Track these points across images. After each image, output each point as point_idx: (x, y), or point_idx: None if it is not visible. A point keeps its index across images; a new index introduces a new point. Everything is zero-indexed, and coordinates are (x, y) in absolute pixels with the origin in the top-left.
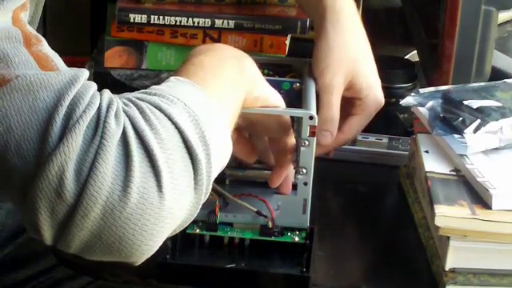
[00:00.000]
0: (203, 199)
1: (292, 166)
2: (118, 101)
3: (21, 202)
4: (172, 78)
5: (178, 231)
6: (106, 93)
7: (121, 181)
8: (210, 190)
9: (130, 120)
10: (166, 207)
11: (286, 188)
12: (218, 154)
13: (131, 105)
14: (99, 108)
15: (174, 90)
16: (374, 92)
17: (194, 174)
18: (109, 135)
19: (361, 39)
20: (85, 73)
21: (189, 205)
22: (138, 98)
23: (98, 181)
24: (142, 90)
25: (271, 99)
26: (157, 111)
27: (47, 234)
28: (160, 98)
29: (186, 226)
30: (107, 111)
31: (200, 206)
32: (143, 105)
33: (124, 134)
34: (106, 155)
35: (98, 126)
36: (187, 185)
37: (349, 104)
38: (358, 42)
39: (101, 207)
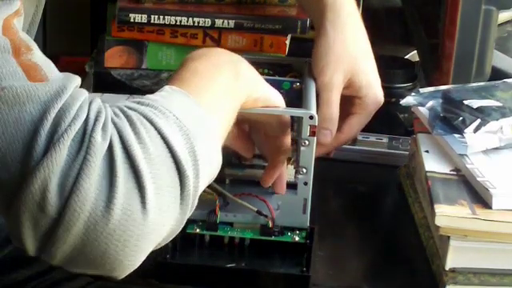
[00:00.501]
0: (189, 214)
1: (285, 166)
2: (107, 111)
3: (5, 213)
4: (166, 88)
5: (162, 244)
6: (95, 102)
7: (104, 196)
8: (195, 204)
9: (117, 132)
10: (149, 223)
11: (280, 188)
12: (208, 167)
13: (121, 115)
14: (86, 120)
15: (167, 102)
16: (373, 90)
17: (181, 189)
18: (94, 150)
19: (361, 37)
20: (74, 81)
21: (173, 220)
22: (129, 108)
23: (81, 196)
24: (136, 99)
25: (272, 99)
26: (147, 123)
27: (30, 246)
28: (152, 110)
29: (171, 238)
30: (94, 124)
31: (185, 221)
32: (134, 116)
33: (110, 149)
34: (90, 171)
35: (84, 140)
36: (173, 201)
37: (348, 103)
38: (357, 40)
39: (83, 222)
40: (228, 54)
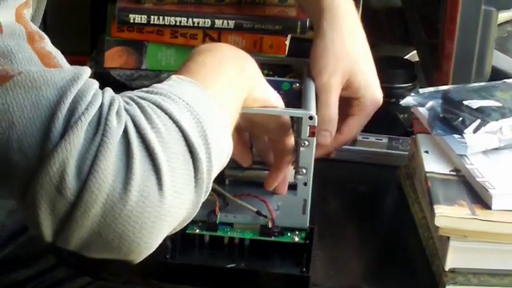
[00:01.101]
0: (203, 198)
1: (289, 168)
2: (119, 99)
3: (21, 198)
4: (174, 77)
5: (178, 229)
6: (108, 91)
7: (122, 178)
8: (210, 189)
9: (131, 118)
10: (165, 205)
11: (282, 189)
12: (219, 152)
13: (132, 103)
14: (101, 106)
15: (175, 89)
16: (371, 91)
17: (195, 172)
18: (110, 133)
19: (359, 38)
20: (87, 71)
21: (189, 203)
22: (139, 97)
23: (98, 178)
24: (144, 89)
25: (271, 100)
26: (158, 110)
27: (47, 230)
28: (161, 97)
29: (185, 224)
30: (109, 109)
31: (200, 205)
32: (144, 103)
33: (125, 132)
34: (107, 153)
35: (100, 123)
36: (188, 183)
37: (347, 104)
38: (355, 41)
39: (101, 204)
40: (234, 49)
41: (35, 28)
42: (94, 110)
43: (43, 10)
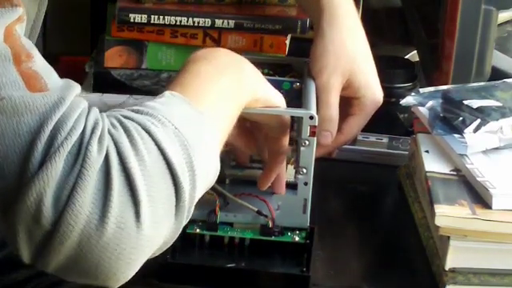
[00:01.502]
0: (184, 223)
1: (284, 166)
2: (104, 122)
3: (2, 219)
4: (167, 94)
5: (158, 253)
6: (93, 112)
7: (99, 210)
8: (191, 213)
9: (114, 144)
10: (143, 236)
11: (279, 188)
12: (205, 177)
13: (119, 126)
14: (83, 132)
15: (166, 110)
16: (372, 91)
17: (177, 201)
18: (89, 164)
19: (359, 37)
20: (73, 90)
21: (169, 231)
22: (127, 118)
23: (75, 210)
24: (134, 108)
25: (273, 100)
26: (145, 134)
27: (25, 254)
28: (150, 119)
29: (167, 247)
30: (90, 136)
31: (181, 229)
32: (131, 127)
33: (106, 161)
34: (85, 184)
35: (80, 152)
36: (168, 213)
37: (347, 104)
38: (355, 40)
39: (77, 235)
40: (230, 54)
41: (26, 44)
42: (74, 138)
43: (44, 12)
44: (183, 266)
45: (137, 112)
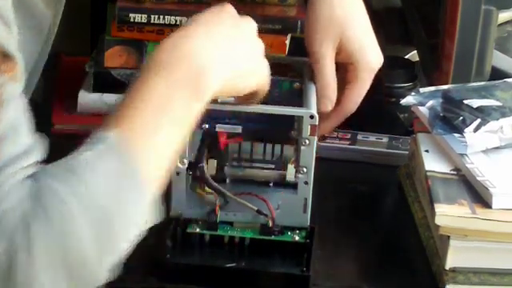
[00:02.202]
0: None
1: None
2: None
3: None
4: (101, 141)
5: None
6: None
7: None
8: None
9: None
10: None
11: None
12: (122, 243)
13: (18, 209)
14: None
15: (89, 172)
16: (365, 55)
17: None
18: None
19: (350, 4)
20: (16, 163)
21: None
22: (38, 190)
23: None
24: (58, 166)
25: (246, 81)
26: (49, 212)
27: None
28: (64, 190)
29: None
30: None
31: None
32: (32, 205)
33: None
34: None
35: None
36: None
37: (344, 73)
38: (345, 6)
39: None
40: (196, 43)
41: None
42: None
43: (61, 12)
44: (183, 265)
45: (53, 177)
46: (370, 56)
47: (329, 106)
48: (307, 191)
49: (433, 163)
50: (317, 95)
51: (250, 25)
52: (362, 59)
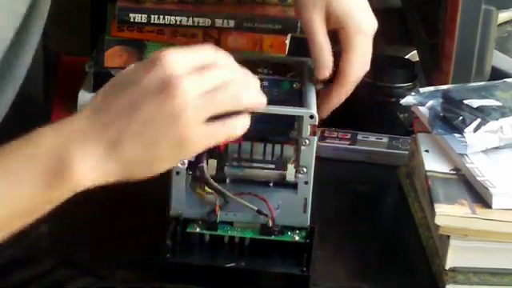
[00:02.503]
0: None
1: None
2: None
3: None
4: None
5: None
6: None
7: None
8: None
9: None
10: None
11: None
12: None
13: None
14: None
15: None
16: (354, 17)
17: None
18: None
19: None
20: None
21: None
22: None
23: None
24: None
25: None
26: None
27: None
28: None
29: None
30: None
31: None
32: None
33: None
34: None
35: None
36: None
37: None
38: None
39: None
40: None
41: None
42: None
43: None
44: (183, 265)
45: None
46: (360, 18)
47: (326, 72)
48: (307, 191)
49: (433, 163)
50: (314, 67)
51: (162, 75)
52: (351, 22)
